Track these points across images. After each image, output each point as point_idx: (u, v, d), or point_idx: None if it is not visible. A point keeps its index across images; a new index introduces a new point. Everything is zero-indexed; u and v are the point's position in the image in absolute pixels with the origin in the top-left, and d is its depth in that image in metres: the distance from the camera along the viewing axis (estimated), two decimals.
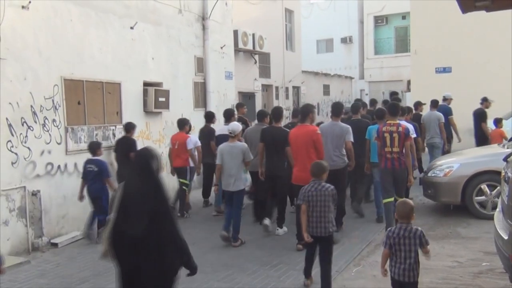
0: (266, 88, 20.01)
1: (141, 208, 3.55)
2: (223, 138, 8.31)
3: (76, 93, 8.62)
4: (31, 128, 7.66)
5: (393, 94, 12.26)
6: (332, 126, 7.87)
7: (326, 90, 26.89)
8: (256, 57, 18.40)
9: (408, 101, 19.18)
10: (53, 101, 8.09)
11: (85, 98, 8.80)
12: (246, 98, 17.78)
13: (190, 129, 9.93)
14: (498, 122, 11.48)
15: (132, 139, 9.17)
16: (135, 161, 3.94)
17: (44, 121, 7.91)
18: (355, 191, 9.17)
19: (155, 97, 10.34)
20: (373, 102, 12.17)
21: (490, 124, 11.94)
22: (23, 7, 7.58)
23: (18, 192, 7.44)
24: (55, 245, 7.75)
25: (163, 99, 10.61)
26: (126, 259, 3.63)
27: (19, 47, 7.52)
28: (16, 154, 7.38)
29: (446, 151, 11.16)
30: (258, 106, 18.75)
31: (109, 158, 9.14)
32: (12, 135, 7.33)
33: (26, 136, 7.56)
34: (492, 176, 8.16)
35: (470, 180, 8.38)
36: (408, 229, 4.28)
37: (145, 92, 10.33)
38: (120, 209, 3.63)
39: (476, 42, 17.04)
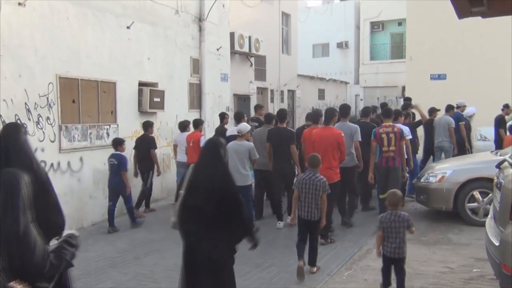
0: (261, 91, 20.03)
1: (211, 187, 3.97)
2: (234, 138, 8.60)
3: (71, 92, 8.60)
4: (25, 126, 7.63)
5: (407, 100, 12.32)
6: (341, 127, 8.20)
7: (321, 94, 26.95)
8: (252, 59, 18.43)
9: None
10: (47, 99, 8.07)
11: (80, 97, 8.78)
12: (241, 100, 17.79)
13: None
14: None
15: (151, 136, 9.80)
16: (207, 147, 4.41)
17: (38, 119, 7.88)
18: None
19: (150, 97, 10.33)
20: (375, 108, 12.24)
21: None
22: (19, 4, 7.56)
23: None
24: None
25: (158, 100, 10.61)
26: (192, 231, 4.03)
27: (15, 44, 7.50)
28: None
29: (454, 155, 11.22)
30: (253, 109, 18.75)
31: (102, 157, 9.10)
32: None
33: None
34: (484, 183, 8.19)
35: (463, 187, 8.41)
36: (397, 214, 5.24)
37: (140, 92, 10.32)
38: (191, 188, 4.12)
39: (471, 50, 17.15)
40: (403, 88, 21.16)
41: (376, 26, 31.92)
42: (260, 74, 19.61)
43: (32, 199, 2.76)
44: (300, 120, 21.61)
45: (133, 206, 8.98)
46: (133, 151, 9.72)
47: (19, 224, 2.66)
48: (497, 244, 4.61)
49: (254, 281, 6.02)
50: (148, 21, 10.61)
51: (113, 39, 9.56)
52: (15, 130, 3.58)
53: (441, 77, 18.08)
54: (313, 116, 8.70)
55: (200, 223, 3.96)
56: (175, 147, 10.39)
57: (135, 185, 9.55)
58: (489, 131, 13.00)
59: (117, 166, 8.48)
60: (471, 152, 11.80)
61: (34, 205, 2.76)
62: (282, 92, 21.75)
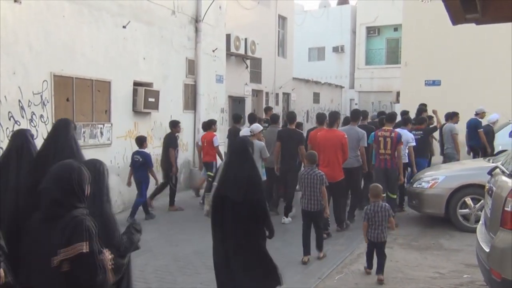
0: (256, 93, 20.04)
1: (240, 180, 4.51)
2: None
3: (65, 90, 8.57)
4: (18, 123, 7.60)
5: (422, 105, 12.36)
6: (349, 130, 8.90)
7: (316, 98, 26.99)
8: (248, 62, 18.43)
9: (397, 112, 19.29)
10: (41, 96, 8.04)
11: (74, 95, 8.75)
12: (236, 102, 17.79)
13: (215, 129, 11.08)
14: None
15: (174, 135, 10.16)
16: (238, 145, 4.99)
17: (32, 116, 7.85)
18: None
19: (145, 97, 10.32)
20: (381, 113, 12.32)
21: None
22: (15, 1, 7.53)
23: None
24: None
25: (153, 100, 10.59)
26: (224, 216, 4.57)
27: (9, 41, 7.46)
28: (1, 148, 7.32)
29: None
30: (248, 111, 18.76)
31: (95, 155, 9.06)
32: None
33: (13, 130, 7.48)
34: (476, 190, 8.23)
35: (455, 193, 8.45)
36: (380, 205, 6.16)
37: (135, 92, 10.30)
38: (223, 180, 4.73)
39: (466, 56, 17.23)
40: (398, 94, 21.21)
41: (372, 31, 32.02)
42: (256, 76, 19.62)
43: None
44: None
45: (145, 201, 9.34)
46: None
47: (110, 205, 3.42)
48: (487, 250, 4.64)
49: None
50: (144, 21, 10.60)
51: (109, 38, 9.54)
52: (65, 124, 4.37)
53: (435, 83, 18.15)
54: (319, 118, 9.17)
55: (230, 210, 4.52)
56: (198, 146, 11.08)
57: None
58: None
59: (141, 162, 9.02)
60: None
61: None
62: (277, 95, 21.77)
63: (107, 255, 2.94)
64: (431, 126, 11.29)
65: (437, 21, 17.54)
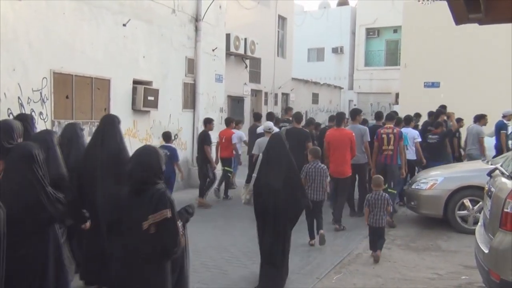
0: (255, 93, 20.05)
1: (279, 169, 5.49)
2: (263, 135, 9.84)
3: (64, 87, 8.56)
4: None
5: (442, 107, 12.36)
6: (352, 129, 9.33)
7: (315, 98, 27.01)
8: (247, 61, 18.45)
9: None
10: (41, 93, 8.04)
11: (74, 93, 8.75)
12: (235, 102, 17.80)
13: (236, 126, 11.58)
14: None
15: (207, 133, 10.44)
16: (275, 138, 5.93)
17: (31, 113, 7.82)
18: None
19: (144, 96, 10.31)
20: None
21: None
22: None
23: None
24: None
25: (152, 98, 10.58)
26: (266, 202, 5.48)
27: (9, 38, 7.45)
28: None
29: None
30: (247, 111, 18.78)
31: None
32: None
33: None
34: (474, 191, 8.23)
35: (453, 194, 8.45)
36: (380, 194, 6.95)
37: (134, 90, 10.29)
38: (263, 169, 5.72)
39: (465, 59, 17.28)
40: (397, 95, 21.25)
41: (372, 33, 32.03)
42: (255, 76, 19.63)
43: None
44: None
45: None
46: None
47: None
48: (486, 251, 4.64)
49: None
50: (145, 19, 10.59)
51: (108, 36, 9.53)
52: (111, 120, 5.51)
53: (434, 85, 18.20)
54: (331, 118, 10.28)
55: (269, 196, 5.41)
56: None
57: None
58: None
59: (168, 156, 9.02)
60: None
61: None
62: (276, 95, 21.79)
63: (178, 223, 3.55)
64: (446, 130, 11.24)
65: (437, 23, 17.62)
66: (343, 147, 8.62)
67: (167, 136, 9.72)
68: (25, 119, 5.19)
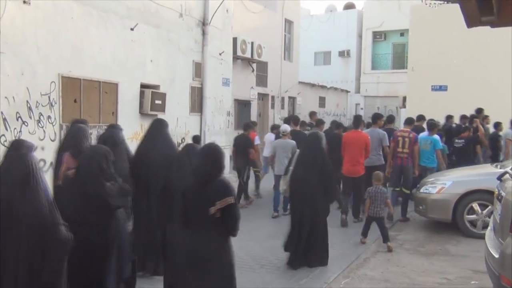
0: (262, 96, 20.04)
1: (314, 164, 6.50)
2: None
3: (73, 91, 8.60)
4: (26, 124, 7.63)
5: (478, 109, 12.30)
6: (371, 132, 9.81)
7: (322, 102, 26.97)
8: (254, 65, 18.46)
9: (402, 117, 19.26)
10: (49, 97, 8.07)
11: (82, 97, 8.79)
12: (242, 105, 17.80)
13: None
14: None
15: (249, 137, 10.78)
16: (312, 137, 7.01)
17: (39, 117, 7.88)
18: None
19: (152, 100, 10.33)
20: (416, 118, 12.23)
21: None
22: (24, 2, 7.58)
23: None
24: None
25: (160, 102, 10.60)
26: (300, 193, 6.55)
27: (18, 42, 7.50)
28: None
29: None
30: (254, 114, 18.77)
31: None
32: (6, 129, 7.30)
33: (20, 131, 7.52)
34: (483, 195, 8.16)
35: (462, 198, 8.39)
36: (379, 188, 7.69)
37: (141, 94, 10.32)
38: (298, 166, 6.68)
39: (472, 62, 17.20)
40: (404, 98, 21.18)
41: (378, 36, 31.95)
42: (262, 80, 19.63)
43: None
44: None
45: None
46: (233, 148, 10.91)
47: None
48: (496, 256, 4.60)
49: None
50: (152, 24, 10.62)
51: (116, 40, 9.57)
52: (160, 124, 6.12)
53: (442, 88, 18.12)
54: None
55: (306, 187, 6.46)
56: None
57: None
58: None
59: None
60: None
61: None
62: (282, 98, 21.77)
63: None
64: (473, 135, 11.13)
65: (444, 26, 17.58)
66: (358, 149, 9.10)
67: (196, 139, 9.90)
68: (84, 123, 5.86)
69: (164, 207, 4.61)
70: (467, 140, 10.59)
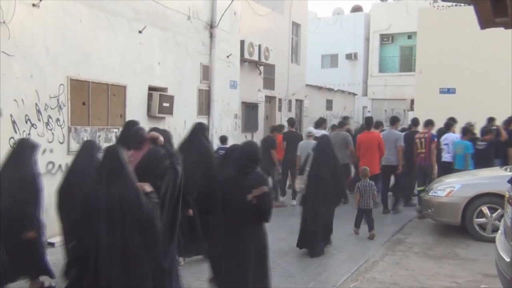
0: (269, 99, 20.01)
1: (327, 163, 7.42)
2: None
3: (81, 94, 8.62)
4: (35, 126, 7.65)
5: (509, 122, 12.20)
6: (389, 133, 10.69)
7: (329, 105, 26.91)
8: (261, 68, 18.43)
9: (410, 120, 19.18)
10: (58, 100, 8.09)
11: (90, 99, 8.80)
12: (249, 108, 17.78)
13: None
14: None
15: (274, 138, 11.60)
16: (323, 140, 7.98)
17: (48, 120, 7.90)
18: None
19: (160, 102, 10.34)
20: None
21: None
22: (33, 5, 7.60)
23: None
24: (51, 244, 7.70)
25: (167, 105, 10.61)
26: (317, 189, 7.36)
27: (27, 45, 7.53)
28: None
29: None
30: (261, 117, 18.76)
31: None
32: (15, 131, 7.32)
33: (29, 133, 7.54)
34: (493, 199, 8.13)
35: (471, 202, 8.35)
36: (368, 182, 8.58)
37: (149, 97, 10.33)
38: (314, 164, 7.48)
39: (481, 64, 17.11)
40: (412, 101, 21.10)
41: (386, 39, 31.85)
42: (269, 82, 19.61)
43: None
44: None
45: None
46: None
47: None
48: (507, 259, 4.57)
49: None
50: (160, 26, 10.64)
51: (124, 43, 9.59)
52: (202, 127, 7.21)
53: (450, 91, 18.03)
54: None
55: (320, 184, 7.34)
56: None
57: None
58: None
59: None
60: None
61: None
62: (290, 101, 21.73)
63: None
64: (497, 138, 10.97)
65: (452, 29, 17.52)
66: (372, 148, 9.97)
67: (223, 139, 10.74)
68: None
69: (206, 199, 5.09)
70: (489, 142, 10.54)
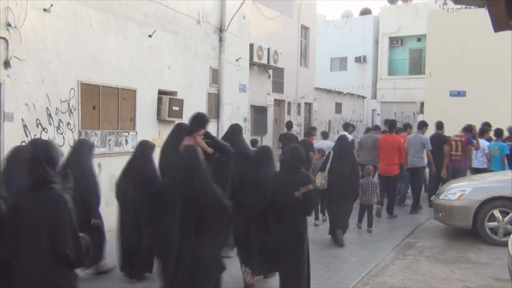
0: (278, 103, 20.02)
1: (346, 161, 8.16)
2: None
3: (91, 98, 8.67)
4: (46, 130, 7.70)
5: None
6: (415, 137, 11.15)
7: (338, 108, 26.86)
8: (270, 71, 18.44)
9: None
10: (68, 104, 8.14)
11: (101, 103, 8.85)
12: (258, 112, 17.80)
13: None
14: None
15: (310, 141, 11.55)
16: (342, 141, 8.62)
17: (59, 124, 7.95)
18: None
19: (169, 106, 10.37)
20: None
21: None
22: (44, 10, 7.66)
23: None
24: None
25: (177, 108, 10.64)
26: (337, 184, 8.08)
27: (38, 49, 7.59)
28: None
29: None
30: (270, 121, 18.77)
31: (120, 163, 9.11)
32: (27, 135, 7.36)
33: (40, 137, 7.58)
34: (505, 202, 8.07)
35: (483, 205, 8.28)
36: (370, 180, 9.17)
37: (159, 100, 10.36)
38: (334, 162, 8.23)
39: (491, 67, 17.00)
40: (421, 104, 20.99)
41: (395, 42, 31.76)
42: (278, 86, 19.61)
43: None
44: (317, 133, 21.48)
45: None
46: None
47: None
48: None
49: None
50: (169, 30, 10.68)
51: (134, 47, 9.63)
52: (238, 129, 7.32)
53: (460, 94, 17.93)
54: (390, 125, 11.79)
55: (339, 180, 8.05)
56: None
57: None
58: None
59: None
60: None
61: None
62: (299, 104, 21.72)
63: None
64: None
65: (462, 31, 17.43)
66: (392, 151, 10.31)
67: (254, 142, 11.20)
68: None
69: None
70: None
